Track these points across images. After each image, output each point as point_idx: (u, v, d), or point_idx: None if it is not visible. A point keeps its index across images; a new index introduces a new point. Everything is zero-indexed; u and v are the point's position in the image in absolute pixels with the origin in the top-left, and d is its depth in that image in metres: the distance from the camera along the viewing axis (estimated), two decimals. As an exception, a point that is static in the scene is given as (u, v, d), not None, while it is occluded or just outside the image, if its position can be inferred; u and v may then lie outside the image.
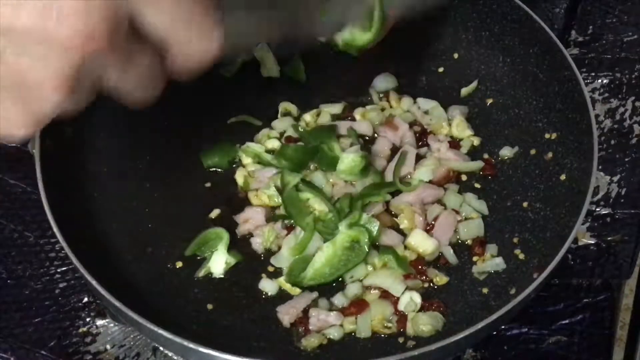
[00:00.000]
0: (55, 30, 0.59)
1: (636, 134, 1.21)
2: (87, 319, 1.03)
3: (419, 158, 1.10)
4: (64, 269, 1.07)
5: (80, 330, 1.02)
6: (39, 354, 1.00)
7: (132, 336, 1.02)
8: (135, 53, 0.66)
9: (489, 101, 1.16)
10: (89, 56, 0.60)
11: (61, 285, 1.06)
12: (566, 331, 1.03)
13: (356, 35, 1.00)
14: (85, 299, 1.05)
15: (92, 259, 0.90)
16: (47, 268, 1.07)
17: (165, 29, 0.65)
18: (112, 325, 1.03)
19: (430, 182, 1.07)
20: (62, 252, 0.96)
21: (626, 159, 1.18)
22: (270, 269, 1.01)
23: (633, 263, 1.09)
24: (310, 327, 0.96)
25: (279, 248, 1.02)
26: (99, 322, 1.03)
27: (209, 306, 0.98)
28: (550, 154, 1.07)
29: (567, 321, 1.04)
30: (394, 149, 1.11)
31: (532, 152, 1.09)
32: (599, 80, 1.27)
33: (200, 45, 0.68)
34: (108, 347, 1.01)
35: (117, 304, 0.85)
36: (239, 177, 1.08)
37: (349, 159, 1.05)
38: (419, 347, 0.84)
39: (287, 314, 0.96)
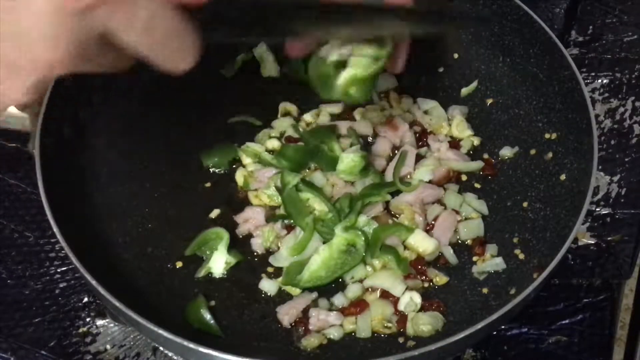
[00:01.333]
0: (17, 58, 0.60)
1: (636, 134, 1.21)
2: (87, 319, 1.03)
3: (419, 158, 1.10)
4: (64, 269, 1.07)
5: (80, 330, 1.02)
6: (39, 354, 1.00)
7: (132, 336, 1.02)
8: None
9: (489, 101, 1.16)
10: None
11: (61, 285, 1.06)
12: (566, 331, 1.03)
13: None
14: (85, 299, 1.05)
15: (92, 259, 0.90)
16: (47, 268, 1.07)
17: (139, 49, 0.65)
18: (112, 325, 1.03)
19: (430, 182, 1.07)
20: (62, 252, 0.96)
21: (626, 159, 1.18)
22: (270, 269, 1.01)
23: (633, 263, 1.09)
24: (310, 327, 0.96)
25: (279, 248, 1.02)
26: (99, 322, 1.03)
27: (210, 305, 0.98)
28: (550, 154, 1.07)
29: (567, 321, 1.04)
30: (394, 149, 1.11)
31: (532, 152, 1.09)
32: (599, 80, 1.27)
33: (174, 60, 0.68)
34: (108, 347, 1.01)
35: (117, 304, 0.85)
36: (239, 177, 1.08)
37: (349, 159, 1.05)
38: (419, 347, 0.84)
39: (287, 314, 0.96)
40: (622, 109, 1.24)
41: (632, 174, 1.16)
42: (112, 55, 0.67)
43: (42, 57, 0.61)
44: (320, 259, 0.99)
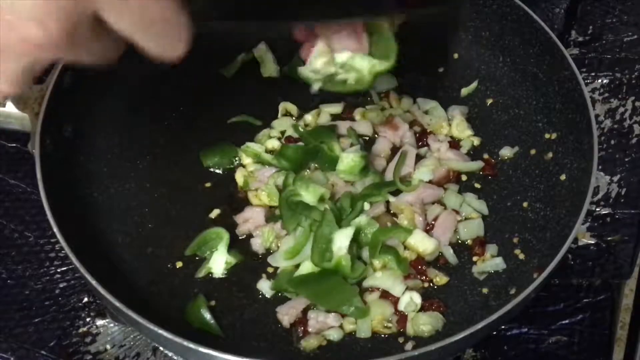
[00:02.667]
0: (6, 37, 0.60)
1: (636, 134, 1.21)
2: (87, 319, 1.03)
3: (419, 158, 1.10)
4: (64, 269, 1.07)
5: (80, 330, 1.02)
6: (39, 354, 1.00)
7: (132, 336, 1.02)
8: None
9: (489, 101, 1.16)
10: (46, 55, 0.62)
11: (61, 285, 1.06)
12: (566, 331, 1.03)
13: (375, 63, 0.95)
14: (85, 299, 1.05)
15: (92, 259, 0.90)
16: (47, 268, 1.07)
17: (130, 34, 0.66)
18: (112, 325, 1.03)
19: (430, 182, 1.07)
20: (62, 252, 0.96)
21: (626, 159, 1.18)
22: (270, 269, 1.01)
23: (633, 263, 1.08)
24: (309, 329, 0.96)
25: (279, 248, 1.02)
26: (99, 322, 1.03)
27: (210, 305, 0.98)
28: (550, 154, 1.07)
29: (567, 321, 1.04)
30: (394, 149, 1.11)
31: (532, 152, 1.09)
32: (599, 80, 1.27)
33: (165, 47, 0.68)
34: (108, 347, 1.01)
35: (117, 304, 0.85)
36: (239, 177, 1.08)
37: (349, 159, 1.05)
38: (419, 347, 0.84)
39: (287, 314, 0.96)
40: (622, 109, 1.24)
41: (632, 174, 1.16)
42: (102, 43, 0.67)
43: (32, 36, 0.61)
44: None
